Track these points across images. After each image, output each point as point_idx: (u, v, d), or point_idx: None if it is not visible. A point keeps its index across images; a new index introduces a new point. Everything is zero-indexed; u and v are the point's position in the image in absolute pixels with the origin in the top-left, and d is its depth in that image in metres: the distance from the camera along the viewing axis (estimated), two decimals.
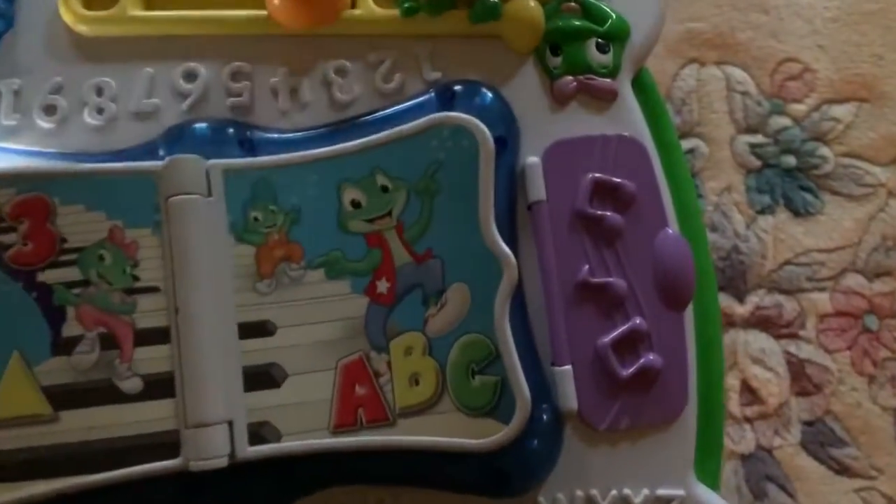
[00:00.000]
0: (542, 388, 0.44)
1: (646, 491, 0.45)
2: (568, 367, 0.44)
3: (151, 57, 0.46)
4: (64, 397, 0.40)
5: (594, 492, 0.44)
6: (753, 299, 0.67)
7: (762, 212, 0.69)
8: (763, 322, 0.67)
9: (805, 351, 0.66)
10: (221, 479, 0.40)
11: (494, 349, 0.41)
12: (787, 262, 0.68)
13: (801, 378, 0.66)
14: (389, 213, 0.43)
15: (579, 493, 0.44)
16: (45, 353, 0.40)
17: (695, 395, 0.46)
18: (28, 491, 0.39)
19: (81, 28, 0.46)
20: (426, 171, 0.43)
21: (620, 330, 0.45)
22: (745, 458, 0.64)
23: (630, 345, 0.45)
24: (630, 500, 0.45)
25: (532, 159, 0.46)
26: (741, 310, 0.67)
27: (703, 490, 0.46)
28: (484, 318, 0.41)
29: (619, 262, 0.46)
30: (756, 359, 0.66)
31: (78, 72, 0.46)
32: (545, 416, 0.43)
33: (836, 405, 0.65)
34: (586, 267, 0.45)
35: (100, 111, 0.46)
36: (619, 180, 0.46)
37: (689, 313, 0.46)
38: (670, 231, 0.46)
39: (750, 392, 0.65)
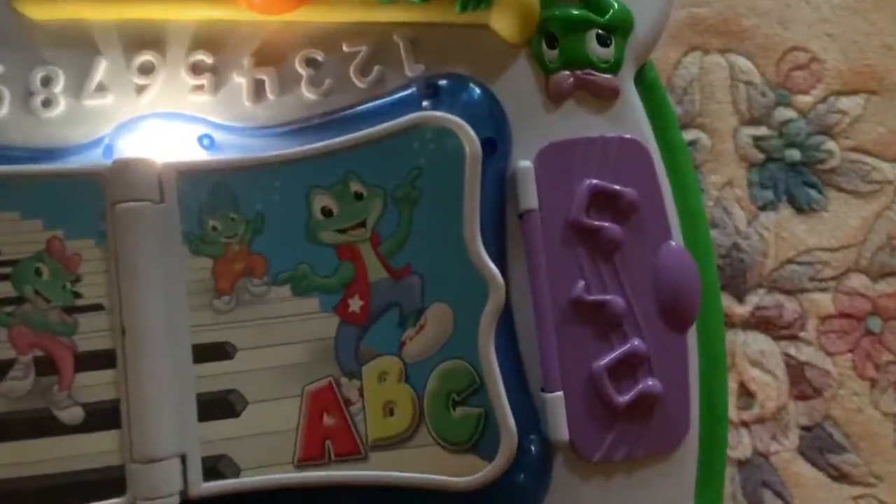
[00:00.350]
0: (531, 417, 0.43)
1: None
2: (559, 394, 0.43)
3: (105, 44, 0.45)
4: None
5: None
6: (753, 299, 0.67)
7: (764, 208, 0.68)
8: (762, 323, 0.66)
9: (805, 353, 0.66)
10: None
11: (478, 378, 0.40)
12: (789, 261, 0.67)
13: (801, 381, 0.65)
14: (364, 223, 0.42)
15: None
16: None
17: (696, 422, 0.45)
18: None
19: (28, 10, 0.44)
20: (405, 177, 0.41)
21: (617, 352, 0.44)
22: (741, 464, 0.64)
23: (628, 369, 0.44)
24: None
25: (524, 163, 0.45)
26: (740, 310, 0.66)
27: None
28: (467, 343, 0.40)
29: (618, 277, 0.44)
30: (754, 361, 0.66)
31: (23, 59, 0.44)
32: (533, 448, 0.42)
33: (836, 410, 0.65)
34: (581, 283, 0.44)
35: (46, 103, 0.44)
36: (619, 187, 0.45)
37: (692, 333, 0.45)
38: (674, 244, 0.45)
39: (747, 395, 0.65)
